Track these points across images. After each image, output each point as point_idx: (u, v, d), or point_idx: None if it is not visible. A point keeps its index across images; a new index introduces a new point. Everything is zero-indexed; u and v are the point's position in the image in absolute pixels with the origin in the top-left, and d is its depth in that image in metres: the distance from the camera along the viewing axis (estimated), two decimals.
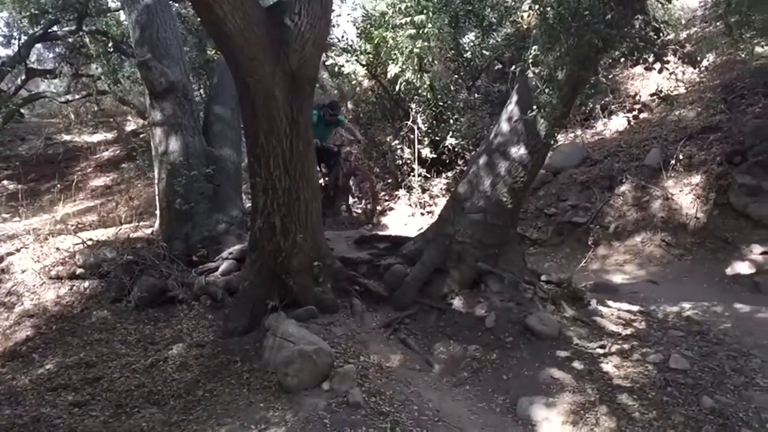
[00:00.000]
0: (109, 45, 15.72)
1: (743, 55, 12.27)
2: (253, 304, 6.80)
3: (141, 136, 17.01)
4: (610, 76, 14.04)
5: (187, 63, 10.07)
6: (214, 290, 7.47)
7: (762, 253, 9.56)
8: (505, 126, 7.47)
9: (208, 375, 6.01)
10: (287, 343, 5.81)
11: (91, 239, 8.62)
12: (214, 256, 8.11)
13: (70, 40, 16.45)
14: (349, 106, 15.44)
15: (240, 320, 6.78)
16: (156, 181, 9.07)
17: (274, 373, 5.78)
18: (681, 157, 11.46)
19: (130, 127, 20.05)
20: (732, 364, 6.35)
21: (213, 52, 13.41)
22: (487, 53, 14.15)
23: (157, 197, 9.04)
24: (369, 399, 5.46)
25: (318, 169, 9.00)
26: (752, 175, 10.26)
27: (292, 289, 6.78)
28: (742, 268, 9.50)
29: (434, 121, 13.62)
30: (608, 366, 6.41)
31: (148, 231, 9.10)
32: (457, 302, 7.41)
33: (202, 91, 14.61)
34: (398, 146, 14.13)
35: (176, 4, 13.41)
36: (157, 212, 9.03)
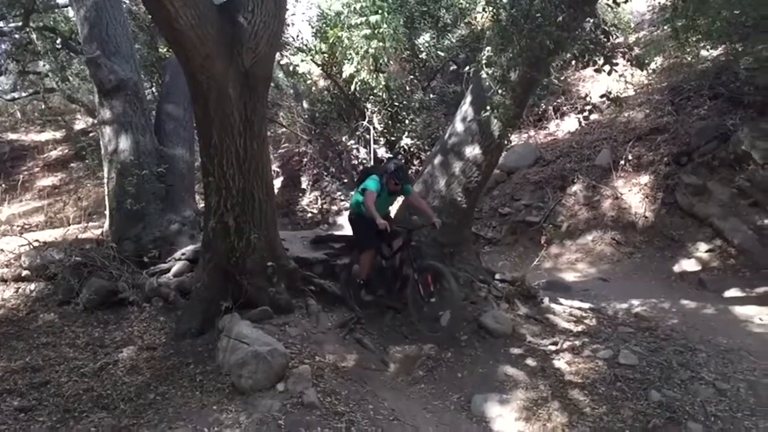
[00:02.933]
0: (57, 41, 15.27)
1: (689, 59, 12.64)
2: (207, 305, 6.69)
3: (90, 134, 16.63)
4: (562, 78, 14.30)
5: (138, 60, 9.87)
6: (166, 292, 7.33)
7: (707, 251, 9.86)
8: (459, 126, 7.53)
9: (159, 378, 5.89)
10: (241, 344, 5.74)
11: (37, 240, 8.36)
12: (167, 257, 7.96)
13: (16, 36, 15.95)
14: (305, 105, 15.38)
15: (193, 322, 6.67)
16: (106, 180, 8.85)
17: (227, 375, 5.70)
18: (630, 157, 11.75)
19: (79, 125, 19.57)
20: (679, 359, 6.52)
21: (165, 49, 13.20)
22: (442, 54, 14.26)
23: (106, 197, 8.83)
24: (324, 399, 5.43)
25: (376, 252, 7.31)
26: (698, 175, 10.57)
27: (246, 289, 6.69)
28: (689, 265, 9.79)
29: (390, 121, 13.67)
30: (560, 362, 6.51)
31: (98, 232, 8.87)
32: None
33: (153, 89, 14.37)
34: (354, 146, 14.14)
35: (126, 1, 13.14)
36: (107, 212, 8.81)
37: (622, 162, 11.77)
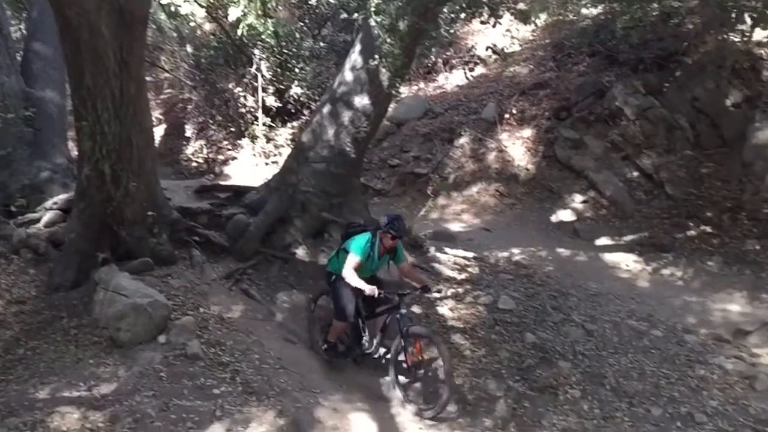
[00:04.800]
0: None
1: (571, 16, 13.04)
2: (82, 257, 6.37)
3: None
4: (451, 31, 14.39)
5: None
6: (36, 243, 6.88)
7: (582, 202, 10.40)
8: (348, 75, 7.44)
9: (29, 332, 5.58)
10: (119, 296, 5.52)
11: None
12: (36, 207, 7.47)
13: None
14: (189, 50, 14.67)
15: (66, 274, 6.33)
16: None
17: (105, 329, 5.47)
18: (514, 111, 12.10)
19: None
20: (552, 303, 6.90)
21: None
22: (333, 1, 13.95)
23: None
24: (208, 350, 5.35)
25: (356, 311, 6.03)
26: (575, 129, 11.05)
27: (124, 240, 6.42)
28: (565, 215, 10.30)
29: (279, 69, 13.31)
30: (444, 309, 6.73)
31: None
32: (301, 252, 7.40)
33: (21, 26, 13.22)
34: (241, 94, 13.70)
35: None
36: None
37: (507, 116, 12.09)
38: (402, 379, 5.87)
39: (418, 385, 5.93)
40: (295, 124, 13.82)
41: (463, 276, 7.51)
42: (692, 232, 9.18)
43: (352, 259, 5.77)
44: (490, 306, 6.74)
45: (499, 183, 11.25)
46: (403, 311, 5.85)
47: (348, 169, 7.67)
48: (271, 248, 7.41)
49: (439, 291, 7.06)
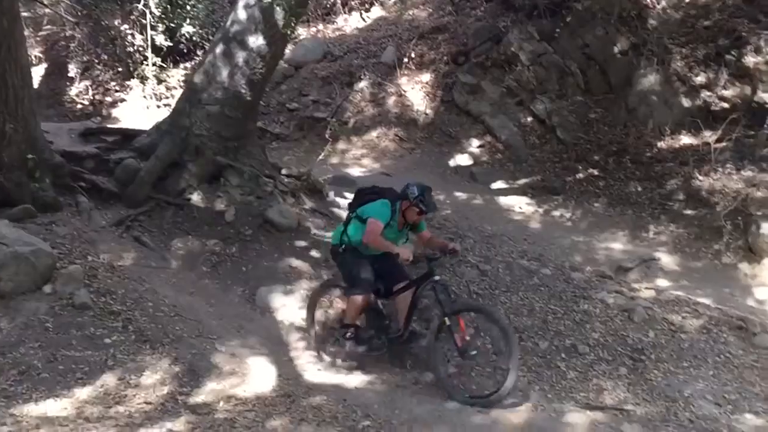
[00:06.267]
0: None
1: None
2: None
3: None
4: None
5: None
6: None
7: (479, 147, 10.65)
8: (242, 13, 7.15)
9: None
10: None
11: None
12: None
13: None
14: None
15: None
16: None
17: None
18: (413, 55, 12.11)
19: None
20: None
21: None
22: None
23: None
24: (98, 299, 5.14)
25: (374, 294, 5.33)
26: (473, 74, 11.21)
27: (3, 186, 6.01)
28: (462, 160, 10.52)
29: (169, 6, 12.56)
30: None
31: None
32: (196, 197, 7.18)
33: None
34: (129, 32, 12.92)
35: None
36: None
37: (406, 60, 12.09)
38: (449, 368, 5.19)
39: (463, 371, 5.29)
40: (187, 65, 13.27)
41: None
42: (581, 175, 9.63)
43: (377, 225, 5.08)
44: None
45: (399, 127, 11.31)
46: (437, 278, 5.10)
47: (244, 112, 7.44)
48: (164, 194, 7.12)
49: None
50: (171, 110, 8.26)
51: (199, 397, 4.37)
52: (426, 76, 11.76)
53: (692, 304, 6.33)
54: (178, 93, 12.05)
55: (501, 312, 5.60)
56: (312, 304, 5.73)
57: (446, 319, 4.93)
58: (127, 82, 13.03)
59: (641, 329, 5.81)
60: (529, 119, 10.57)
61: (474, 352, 5.03)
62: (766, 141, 8.68)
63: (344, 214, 7.53)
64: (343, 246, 5.36)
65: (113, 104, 12.73)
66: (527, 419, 4.62)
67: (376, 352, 5.38)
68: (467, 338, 5.01)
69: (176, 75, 13.01)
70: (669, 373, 5.33)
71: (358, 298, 5.20)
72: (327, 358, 5.46)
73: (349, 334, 5.33)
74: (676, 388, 5.11)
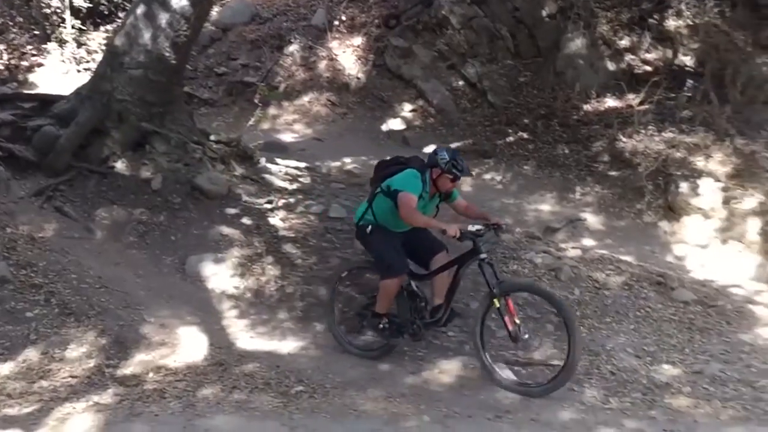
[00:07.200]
0: None
1: None
2: None
3: None
4: None
5: None
6: None
7: (411, 111, 10.66)
8: None
9: None
10: None
11: None
12: None
13: None
14: None
15: None
16: None
17: None
18: (344, 18, 11.95)
19: None
20: None
21: None
22: None
23: None
24: (18, 272, 4.98)
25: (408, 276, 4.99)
26: (405, 38, 11.18)
27: None
28: (395, 124, 10.54)
29: None
30: (275, 219, 6.69)
31: None
32: (120, 165, 6.93)
33: None
34: None
35: None
36: None
37: (337, 23, 11.92)
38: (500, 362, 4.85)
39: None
40: (109, 27, 12.67)
41: (294, 186, 7.46)
42: (511, 139, 9.78)
43: (411, 199, 4.64)
44: (321, 215, 6.78)
45: (331, 92, 11.19)
46: (483, 256, 4.62)
47: (169, 76, 7.20)
48: (86, 162, 6.85)
49: (270, 202, 6.98)
50: (92, 75, 7.91)
51: (127, 369, 4.32)
52: (357, 40, 11.64)
53: (615, 261, 6.56)
54: (99, 57, 11.56)
55: (556, 292, 5.33)
56: (333, 286, 5.41)
57: (495, 300, 4.59)
58: (45, 46, 12.38)
59: (567, 287, 5.99)
60: (461, 83, 10.63)
61: (526, 336, 4.80)
62: (685, 103, 9.01)
63: (276, 179, 7.51)
64: (370, 226, 4.98)
65: (30, 69, 12.09)
66: (457, 377, 4.74)
67: (415, 339, 5.06)
68: (517, 321, 4.70)
69: (97, 38, 12.44)
70: (593, 328, 5.53)
71: (393, 283, 4.84)
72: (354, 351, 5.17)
73: (382, 325, 5.03)
74: (599, 343, 5.32)
